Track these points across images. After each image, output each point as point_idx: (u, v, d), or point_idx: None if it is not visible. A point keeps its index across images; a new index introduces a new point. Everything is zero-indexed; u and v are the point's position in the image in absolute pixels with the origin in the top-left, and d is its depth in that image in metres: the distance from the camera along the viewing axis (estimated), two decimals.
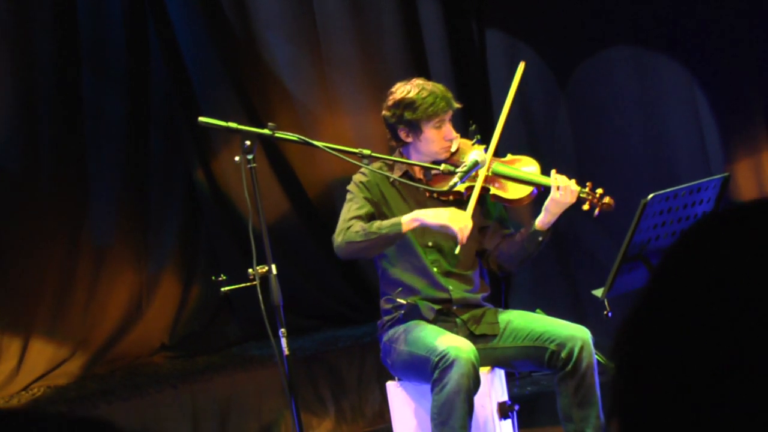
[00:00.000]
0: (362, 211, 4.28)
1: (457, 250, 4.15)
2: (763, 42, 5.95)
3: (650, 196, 3.76)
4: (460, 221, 4.07)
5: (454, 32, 6.74)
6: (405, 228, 4.12)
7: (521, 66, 4.48)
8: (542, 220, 4.25)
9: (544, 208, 4.24)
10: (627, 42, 6.34)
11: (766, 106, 5.99)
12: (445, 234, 4.24)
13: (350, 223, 4.22)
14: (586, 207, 4.22)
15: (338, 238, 4.22)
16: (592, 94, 6.50)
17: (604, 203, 4.22)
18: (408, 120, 4.30)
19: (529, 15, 6.58)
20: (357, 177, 4.42)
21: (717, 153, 6.13)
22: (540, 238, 4.26)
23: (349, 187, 4.40)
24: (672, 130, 6.27)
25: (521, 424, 4.52)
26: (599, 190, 4.23)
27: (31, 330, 5.98)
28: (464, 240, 4.07)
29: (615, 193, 4.28)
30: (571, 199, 4.19)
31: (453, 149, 4.36)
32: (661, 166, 6.28)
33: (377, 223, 4.18)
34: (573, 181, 4.21)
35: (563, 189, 4.17)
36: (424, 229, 4.32)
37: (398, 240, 4.19)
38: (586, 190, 4.22)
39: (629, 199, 4.47)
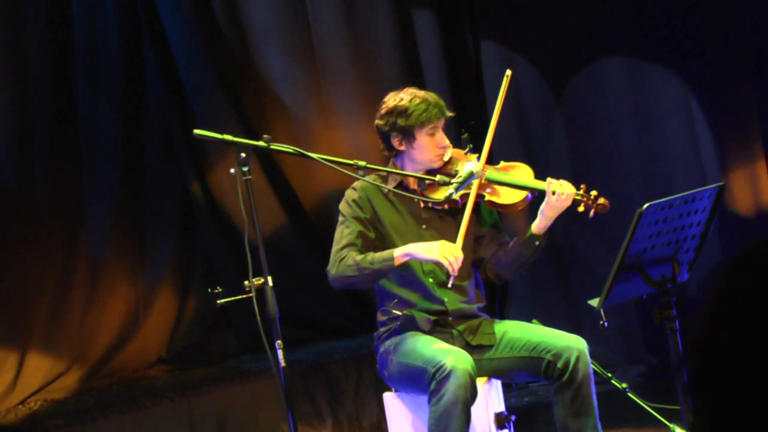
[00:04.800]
0: (354, 236, 4.30)
1: (450, 283, 4.18)
2: (758, 51, 5.96)
3: (645, 206, 3.76)
4: (450, 254, 4.10)
5: (449, 44, 6.75)
6: (397, 263, 4.17)
7: (508, 74, 4.48)
8: (538, 225, 4.26)
9: (540, 211, 4.24)
10: (621, 52, 6.35)
11: (761, 116, 6.00)
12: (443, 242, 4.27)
13: (342, 254, 4.25)
14: (581, 209, 4.23)
15: (332, 270, 4.26)
16: (587, 104, 6.51)
17: (599, 204, 4.23)
18: (401, 127, 4.31)
19: (524, 26, 6.60)
20: (348, 194, 4.43)
21: (712, 162, 6.14)
22: (537, 243, 4.26)
23: (340, 208, 4.41)
24: (667, 140, 6.28)
25: None
26: (593, 192, 4.24)
27: (27, 344, 5.96)
28: (456, 273, 4.09)
29: (610, 203, 4.29)
30: (567, 202, 4.19)
31: (446, 158, 4.36)
32: (656, 175, 6.29)
33: (369, 257, 4.20)
34: (568, 183, 4.22)
35: (558, 192, 4.18)
36: (419, 240, 4.33)
37: (391, 272, 4.23)
38: (581, 192, 4.23)
39: (625, 208, 4.48)
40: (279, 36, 6.60)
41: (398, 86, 4.57)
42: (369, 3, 6.61)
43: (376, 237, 4.36)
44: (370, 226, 4.36)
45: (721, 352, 1.20)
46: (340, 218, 4.39)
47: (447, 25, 6.76)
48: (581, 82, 6.50)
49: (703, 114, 6.15)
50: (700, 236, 4.03)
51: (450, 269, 4.09)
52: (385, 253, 4.20)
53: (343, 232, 4.33)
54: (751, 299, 1.19)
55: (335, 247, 4.31)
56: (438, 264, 4.15)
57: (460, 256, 4.12)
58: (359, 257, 4.21)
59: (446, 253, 4.10)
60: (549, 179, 4.23)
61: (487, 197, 4.32)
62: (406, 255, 4.17)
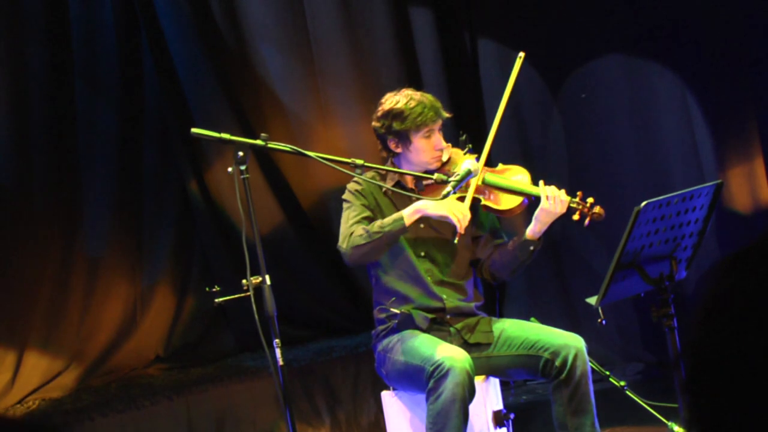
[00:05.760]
0: (361, 216, 4.29)
1: (455, 240, 4.16)
2: (755, 49, 5.97)
3: (643, 203, 3.77)
4: (458, 211, 4.12)
5: (446, 42, 6.75)
6: (408, 221, 4.15)
7: (521, 55, 4.48)
8: (533, 230, 4.26)
9: (534, 217, 4.24)
10: (619, 50, 6.36)
11: (758, 114, 6.00)
12: (440, 240, 4.27)
13: (352, 229, 4.23)
14: (576, 217, 4.23)
15: (343, 245, 4.23)
16: (585, 102, 6.51)
17: (595, 213, 4.22)
18: (397, 130, 4.31)
19: (521, 24, 6.60)
20: (351, 186, 4.43)
21: (710, 160, 6.14)
22: (531, 248, 4.27)
23: (345, 197, 4.41)
24: (665, 138, 6.29)
25: None
26: (590, 200, 4.23)
27: (25, 343, 5.96)
28: (462, 230, 4.10)
29: (608, 201, 4.29)
30: (561, 209, 4.20)
31: (444, 159, 4.37)
32: (654, 173, 6.29)
33: (378, 223, 4.19)
34: (563, 191, 4.21)
35: (553, 199, 4.18)
36: (417, 238, 4.34)
37: (403, 235, 4.21)
38: (577, 199, 4.23)
39: (622, 206, 4.49)
40: (276, 34, 6.60)
41: (395, 84, 4.57)
42: (366, 1, 6.61)
43: None
44: (372, 213, 4.36)
45: (717, 350, 1.20)
46: (345, 205, 4.38)
47: (444, 23, 6.75)
48: (579, 79, 6.50)
49: (701, 112, 6.15)
50: (697, 234, 4.03)
51: (458, 225, 4.10)
52: (394, 216, 4.19)
53: (350, 214, 4.32)
54: (748, 297, 1.19)
55: (343, 227, 4.30)
56: (446, 218, 4.14)
57: (468, 214, 4.14)
58: (368, 226, 4.21)
59: (455, 209, 4.12)
60: (542, 183, 4.23)
61: (484, 201, 4.32)
62: (417, 212, 4.17)
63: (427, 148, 4.32)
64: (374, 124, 4.39)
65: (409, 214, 4.16)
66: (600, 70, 6.42)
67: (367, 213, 4.33)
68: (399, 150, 4.35)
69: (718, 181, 4.07)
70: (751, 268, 1.21)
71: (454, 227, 4.15)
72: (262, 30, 6.58)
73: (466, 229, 4.25)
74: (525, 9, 6.57)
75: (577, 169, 6.47)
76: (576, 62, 6.49)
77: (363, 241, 4.18)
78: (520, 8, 6.59)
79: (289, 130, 6.57)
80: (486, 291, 4.61)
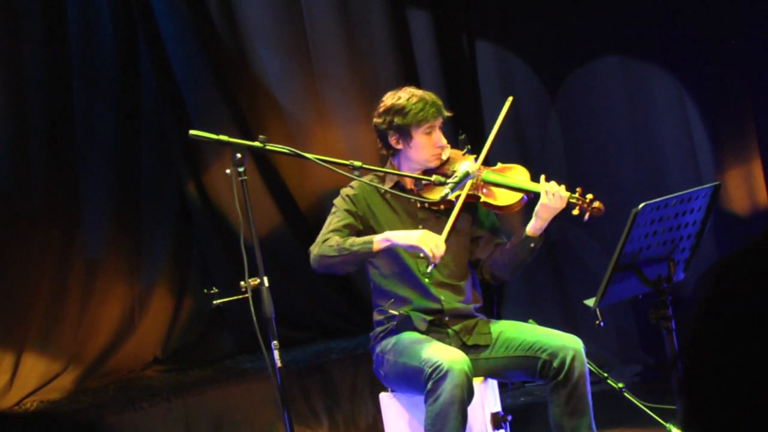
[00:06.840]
0: (341, 224, 4.30)
1: (429, 269, 4.15)
2: (753, 50, 5.97)
3: (641, 205, 3.77)
4: (430, 241, 4.08)
5: (444, 44, 6.75)
6: (375, 247, 4.15)
7: (509, 101, 4.48)
8: (533, 226, 4.26)
9: (534, 213, 4.25)
10: (617, 52, 6.36)
11: (756, 115, 6.00)
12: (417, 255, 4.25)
13: (327, 236, 4.25)
14: (576, 212, 4.23)
15: (314, 250, 4.25)
16: (583, 104, 6.51)
17: (594, 208, 4.23)
18: (398, 125, 4.32)
19: (519, 26, 6.60)
20: (344, 190, 4.44)
21: (707, 162, 6.14)
22: (532, 245, 4.27)
23: (334, 201, 4.42)
24: (662, 140, 6.29)
25: None
26: (589, 195, 4.24)
27: (23, 344, 5.96)
28: (437, 260, 4.07)
29: (606, 203, 4.29)
30: (561, 204, 4.20)
31: (444, 158, 4.37)
32: (652, 175, 6.30)
33: (350, 240, 4.20)
34: (563, 186, 4.22)
35: (553, 194, 4.19)
36: None
37: (370, 258, 4.23)
38: (576, 195, 4.24)
39: (620, 208, 4.49)
40: (274, 36, 6.60)
41: (393, 86, 4.58)
42: (364, 3, 6.61)
43: (368, 234, 4.36)
44: (361, 222, 4.36)
45: (714, 351, 1.20)
46: (332, 209, 4.40)
47: (442, 24, 6.76)
48: (577, 81, 6.50)
49: (699, 113, 6.15)
50: (695, 236, 4.04)
51: (430, 256, 4.05)
52: (366, 237, 4.20)
53: (332, 220, 4.34)
54: (745, 299, 1.19)
55: (322, 232, 4.31)
56: (417, 250, 4.11)
57: (442, 246, 4.09)
58: (341, 240, 4.21)
59: (428, 240, 4.08)
60: (543, 179, 4.24)
61: (483, 198, 4.33)
62: (386, 240, 4.15)
63: (428, 145, 4.33)
64: (375, 120, 4.40)
65: (378, 241, 4.16)
66: (598, 71, 6.42)
67: (349, 220, 4.33)
68: (400, 146, 4.36)
69: (716, 182, 4.08)
70: (749, 270, 1.21)
71: (427, 257, 4.10)
72: (260, 31, 6.58)
73: (466, 229, 4.26)
74: (523, 11, 6.57)
75: (575, 170, 6.47)
76: (574, 63, 6.49)
77: (332, 253, 4.19)
78: (519, 10, 6.59)
79: (287, 132, 6.58)
80: (484, 292, 4.61)
